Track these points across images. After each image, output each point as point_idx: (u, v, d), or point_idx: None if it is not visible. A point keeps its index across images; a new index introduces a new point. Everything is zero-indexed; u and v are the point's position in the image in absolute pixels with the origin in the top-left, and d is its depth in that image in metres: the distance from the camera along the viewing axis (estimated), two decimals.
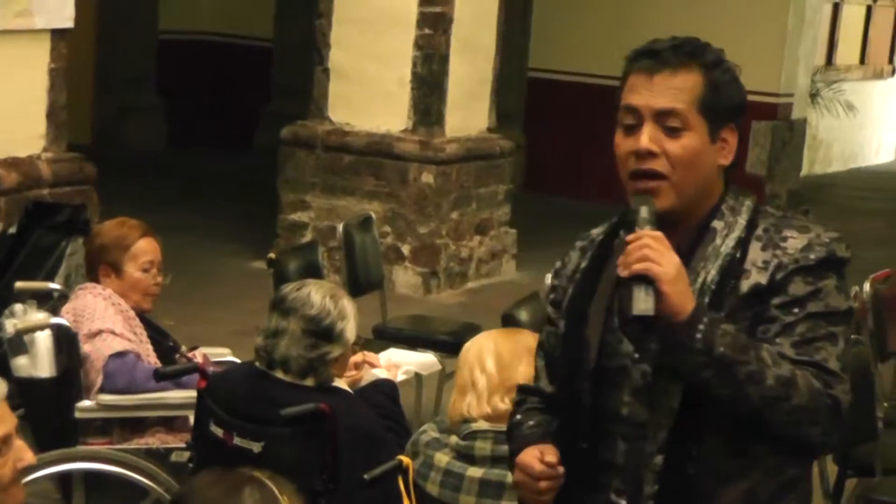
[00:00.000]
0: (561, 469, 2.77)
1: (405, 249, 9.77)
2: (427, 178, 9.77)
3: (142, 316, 5.29)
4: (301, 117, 10.23)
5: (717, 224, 2.76)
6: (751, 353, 2.60)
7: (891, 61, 17.55)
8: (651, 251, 2.59)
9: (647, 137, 2.69)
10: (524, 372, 3.56)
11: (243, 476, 2.55)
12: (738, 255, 2.71)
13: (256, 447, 4.08)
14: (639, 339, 2.72)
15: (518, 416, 2.98)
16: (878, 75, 17.21)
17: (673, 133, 2.69)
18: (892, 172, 17.16)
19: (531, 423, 2.93)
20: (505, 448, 3.45)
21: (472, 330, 6.33)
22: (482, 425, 3.62)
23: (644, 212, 2.67)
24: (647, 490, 2.72)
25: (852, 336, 2.79)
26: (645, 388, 2.74)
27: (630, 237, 2.64)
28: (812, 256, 2.68)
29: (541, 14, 13.73)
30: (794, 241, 2.70)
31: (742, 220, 2.75)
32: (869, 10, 16.60)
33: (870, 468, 5.37)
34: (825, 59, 15.68)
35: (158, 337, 5.32)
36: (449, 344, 6.52)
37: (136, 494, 4.40)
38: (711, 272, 2.71)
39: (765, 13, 13.08)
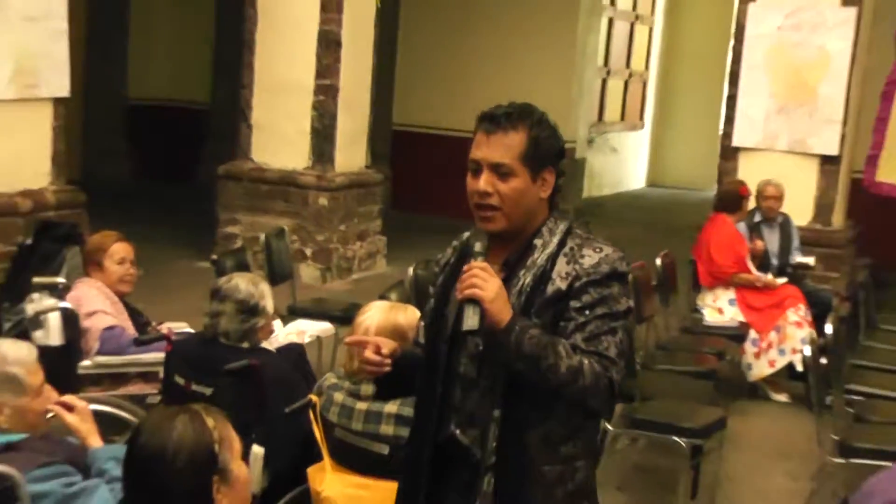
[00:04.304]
0: (387, 362, 2.77)
1: (307, 251, 9.74)
2: (322, 201, 9.76)
3: (123, 299, 5.29)
4: (231, 159, 10.15)
5: (538, 241, 2.68)
6: (549, 350, 2.54)
7: (641, 118, 17.86)
8: (477, 279, 2.53)
9: (483, 182, 2.64)
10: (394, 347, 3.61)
11: (183, 407, 2.42)
12: (548, 266, 2.64)
13: (208, 391, 4.09)
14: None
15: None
16: (633, 128, 17.51)
17: (503, 178, 2.63)
18: (644, 195, 17.46)
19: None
20: None
21: (356, 307, 6.39)
22: (364, 376, 3.61)
23: (478, 246, 2.64)
24: (491, 432, 2.63)
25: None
26: (476, 354, 2.69)
27: (465, 268, 2.59)
28: (600, 270, 2.61)
29: (400, 83, 13.80)
30: (589, 259, 2.63)
31: (555, 240, 2.68)
32: (626, 83, 16.88)
33: (631, 396, 5.49)
34: (597, 116, 15.92)
35: (135, 315, 5.31)
36: (340, 317, 6.55)
37: (122, 427, 4.41)
38: (528, 279, 2.64)
39: (556, 85, 13.26)
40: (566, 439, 2.68)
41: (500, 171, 2.64)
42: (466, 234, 2.87)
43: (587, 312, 2.60)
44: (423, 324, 2.95)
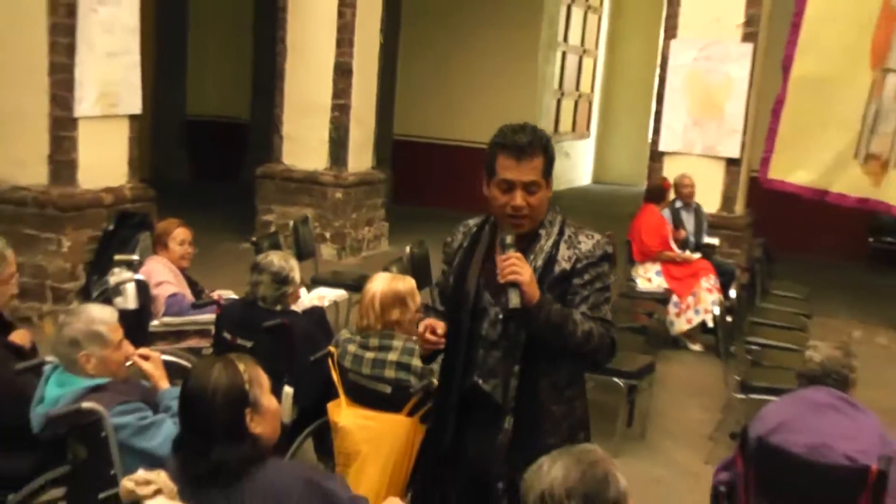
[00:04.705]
0: (442, 340, 2.68)
1: (327, 234, 9.73)
2: (338, 195, 9.73)
3: (183, 272, 5.29)
4: (267, 162, 10.10)
5: (543, 231, 2.67)
6: (569, 320, 2.56)
7: (588, 129, 17.81)
8: (516, 267, 2.51)
9: (520, 199, 2.61)
10: (395, 314, 3.58)
11: (220, 357, 2.41)
12: (553, 251, 2.64)
13: (249, 344, 4.10)
14: (498, 304, 2.65)
15: (428, 311, 2.94)
16: (582, 137, 17.46)
17: (532, 192, 2.62)
18: (590, 190, 17.42)
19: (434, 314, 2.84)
20: (385, 342, 3.54)
21: (365, 278, 6.38)
22: (371, 332, 3.62)
23: (509, 239, 2.60)
24: (512, 383, 2.63)
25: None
26: (497, 321, 2.67)
27: (503, 257, 2.56)
28: (595, 254, 2.64)
29: (400, 102, 13.74)
30: (585, 245, 2.65)
31: (555, 230, 2.68)
32: (576, 102, 16.80)
33: None
34: (553, 128, 15.88)
35: (192, 284, 5.31)
36: (353, 286, 6.56)
37: (184, 373, 4.40)
38: (538, 262, 2.63)
39: (521, 103, 13.24)
40: (569, 384, 2.70)
41: (530, 189, 2.63)
42: (472, 221, 2.84)
43: (588, 287, 2.62)
44: (437, 293, 2.92)
